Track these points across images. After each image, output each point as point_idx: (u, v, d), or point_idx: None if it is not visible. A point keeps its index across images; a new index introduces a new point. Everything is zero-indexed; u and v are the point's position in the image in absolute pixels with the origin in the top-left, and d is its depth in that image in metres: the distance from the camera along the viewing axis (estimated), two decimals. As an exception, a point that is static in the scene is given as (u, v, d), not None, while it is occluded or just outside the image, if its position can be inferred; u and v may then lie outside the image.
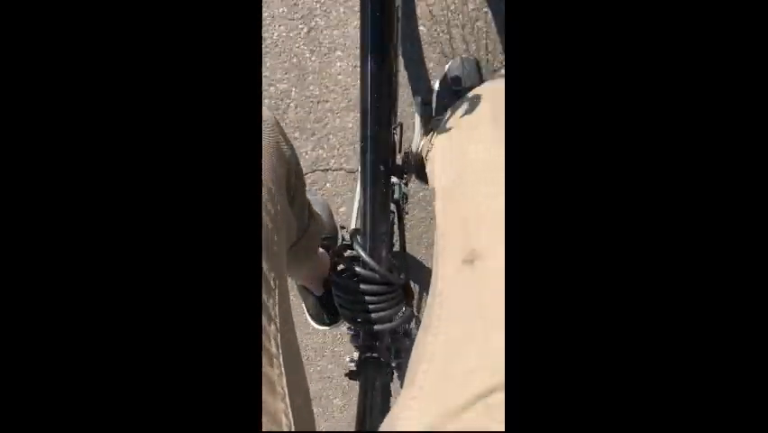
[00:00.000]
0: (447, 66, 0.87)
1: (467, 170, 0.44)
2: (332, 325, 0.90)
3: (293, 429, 0.34)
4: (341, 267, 0.56)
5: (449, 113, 0.53)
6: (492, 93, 0.51)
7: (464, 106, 0.51)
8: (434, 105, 0.82)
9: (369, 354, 0.56)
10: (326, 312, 0.88)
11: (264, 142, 0.44)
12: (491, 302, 0.33)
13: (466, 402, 0.29)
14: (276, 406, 0.33)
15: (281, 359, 0.36)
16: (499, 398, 0.28)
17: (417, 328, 0.94)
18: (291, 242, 0.56)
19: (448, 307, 0.37)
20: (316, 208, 0.88)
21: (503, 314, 0.31)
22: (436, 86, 0.86)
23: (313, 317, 0.92)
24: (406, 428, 0.32)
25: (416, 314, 0.90)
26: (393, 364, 0.63)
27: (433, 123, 0.79)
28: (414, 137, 0.84)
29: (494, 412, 0.28)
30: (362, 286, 0.53)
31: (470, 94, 0.53)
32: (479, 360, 0.31)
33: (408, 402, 0.34)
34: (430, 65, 0.94)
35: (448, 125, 0.50)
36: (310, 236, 0.63)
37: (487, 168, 0.42)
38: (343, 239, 0.88)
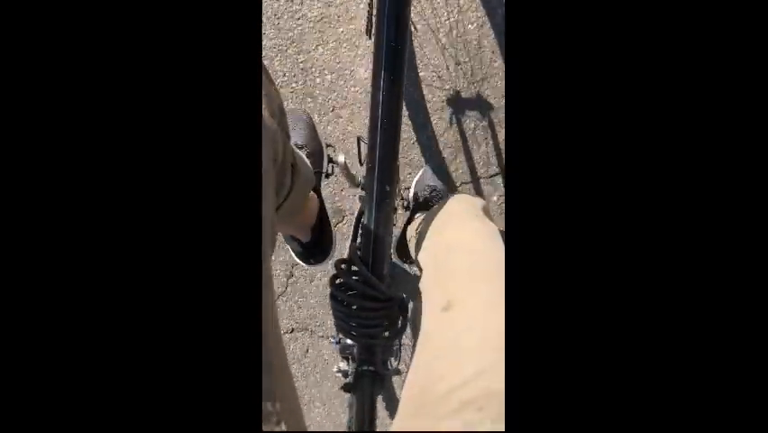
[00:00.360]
0: (420, 171, 0.95)
1: (443, 248, 0.55)
2: (317, 264, 0.85)
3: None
4: (339, 280, 0.57)
5: (428, 214, 0.65)
6: (460, 198, 0.65)
7: (440, 209, 0.62)
8: (411, 203, 0.91)
9: (365, 368, 0.57)
10: (313, 256, 0.83)
11: None
12: (465, 338, 0.41)
13: (445, 415, 0.35)
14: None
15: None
16: (472, 409, 0.34)
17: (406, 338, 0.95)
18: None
19: (431, 345, 0.45)
20: (297, 127, 0.79)
21: (474, 348, 0.39)
22: (412, 186, 0.93)
23: (301, 259, 0.87)
24: None
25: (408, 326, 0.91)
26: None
27: (411, 213, 0.91)
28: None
29: (469, 423, 0.34)
30: (363, 302, 0.55)
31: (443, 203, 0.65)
32: (455, 383, 0.37)
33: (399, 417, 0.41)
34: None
35: (431, 227, 0.61)
36: (293, 198, 0.61)
37: (457, 246, 0.53)
38: (330, 159, 0.82)
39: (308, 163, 0.67)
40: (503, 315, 0.39)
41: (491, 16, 0.93)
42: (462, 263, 0.50)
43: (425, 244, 0.59)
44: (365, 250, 0.54)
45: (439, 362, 0.41)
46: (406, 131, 0.99)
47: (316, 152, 0.77)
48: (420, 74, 0.96)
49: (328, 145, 0.81)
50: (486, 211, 0.62)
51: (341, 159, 0.62)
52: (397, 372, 0.81)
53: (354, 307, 0.56)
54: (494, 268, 0.47)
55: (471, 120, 0.97)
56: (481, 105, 0.97)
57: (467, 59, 0.94)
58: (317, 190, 0.77)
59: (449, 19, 0.92)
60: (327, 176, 0.78)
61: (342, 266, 0.58)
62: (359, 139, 0.64)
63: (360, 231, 0.56)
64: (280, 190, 0.57)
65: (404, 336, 0.89)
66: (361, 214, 0.57)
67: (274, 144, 0.47)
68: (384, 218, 0.52)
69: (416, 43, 0.94)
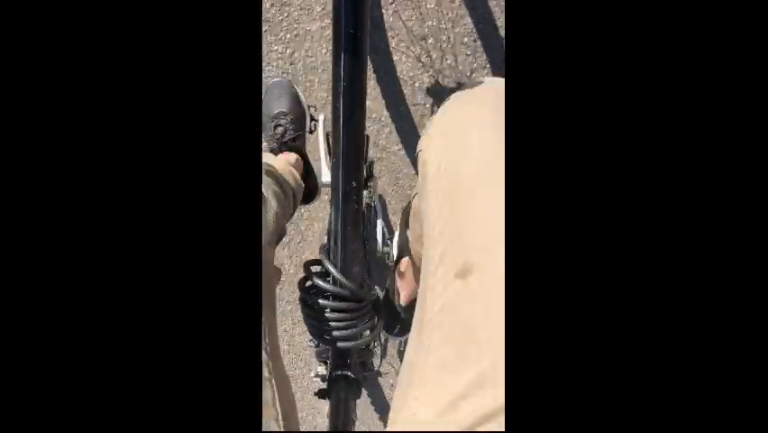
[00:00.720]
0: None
1: (465, 161, 0.38)
2: (303, 204, 0.90)
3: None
4: (309, 283, 0.55)
5: (448, 99, 0.47)
6: (494, 84, 0.46)
7: (465, 92, 0.45)
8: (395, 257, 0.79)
9: (339, 372, 0.55)
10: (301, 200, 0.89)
11: None
12: (485, 322, 0.32)
13: (460, 430, 0.29)
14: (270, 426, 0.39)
15: (273, 381, 0.42)
16: (491, 427, 0.28)
17: (384, 340, 0.92)
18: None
19: (440, 326, 0.35)
20: (282, 96, 0.85)
21: (496, 335, 0.30)
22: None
23: None
24: None
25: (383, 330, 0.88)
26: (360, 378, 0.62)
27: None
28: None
29: None
30: (333, 303, 0.52)
31: (471, 84, 0.47)
32: (471, 386, 0.30)
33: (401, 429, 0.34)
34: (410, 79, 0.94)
35: (448, 107, 0.43)
36: (297, 204, 0.70)
37: (488, 159, 0.37)
38: (312, 118, 0.86)
39: (298, 176, 0.75)
40: None
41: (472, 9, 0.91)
42: (492, 200, 0.34)
43: (438, 139, 0.41)
44: (333, 249, 0.52)
45: (449, 355, 0.33)
46: (387, 124, 0.97)
47: (299, 116, 0.85)
48: (398, 66, 0.93)
49: (310, 106, 0.88)
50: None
51: (320, 117, 0.71)
52: (379, 374, 0.79)
53: (327, 310, 0.53)
54: None
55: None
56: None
57: (449, 50, 0.92)
58: (302, 151, 0.84)
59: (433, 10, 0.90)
60: (311, 132, 0.86)
61: (312, 268, 0.55)
62: (327, 135, 0.62)
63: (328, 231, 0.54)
64: (287, 213, 0.65)
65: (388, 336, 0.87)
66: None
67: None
68: (351, 215, 0.50)
69: (394, 27, 0.92)
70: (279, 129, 0.82)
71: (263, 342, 0.45)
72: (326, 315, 0.53)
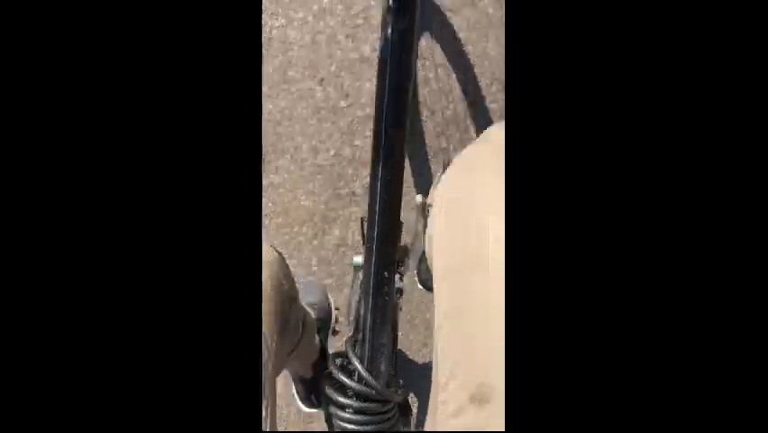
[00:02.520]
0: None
1: (474, 257, 0.33)
2: (321, 407, 0.86)
3: None
4: (333, 375, 0.51)
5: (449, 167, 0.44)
6: (489, 136, 0.44)
7: (462, 157, 0.43)
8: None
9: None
10: (316, 395, 0.88)
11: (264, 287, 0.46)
12: None
13: None
14: None
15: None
16: None
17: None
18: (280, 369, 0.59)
19: None
20: (310, 297, 0.89)
21: None
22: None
23: (302, 400, 0.92)
24: None
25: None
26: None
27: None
28: (410, 227, 0.82)
29: None
30: (356, 403, 0.48)
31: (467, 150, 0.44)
32: None
33: None
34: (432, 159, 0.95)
35: (449, 180, 0.41)
36: (302, 349, 0.66)
37: (500, 253, 0.32)
38: (337, 320, 0.87)
39: (312, 313, 0.76)
40: None
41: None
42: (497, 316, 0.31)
43: (442, 222, 0.39)
44: (361, 343, 0.48)
45: None
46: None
47: (326, 312, 0.88)
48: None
49: (336, 309, 0.91)
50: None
51: (342, 318, 0.74)
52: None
53: (348, 409, 0.49)
54: None
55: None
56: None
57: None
58: (322, 345, 0.84)
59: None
60: (334, 333, 0.89)
61: (337, 360, 0.52)
62: (362, 220, 0.61)
63: (356, 322, 0.51)
64: (293, 339, 0.61)
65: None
66: (358, 302, 0.52)
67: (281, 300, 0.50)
68: (381, 307, 0.47)
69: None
70: None
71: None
72: (348, 415, 0.49)
